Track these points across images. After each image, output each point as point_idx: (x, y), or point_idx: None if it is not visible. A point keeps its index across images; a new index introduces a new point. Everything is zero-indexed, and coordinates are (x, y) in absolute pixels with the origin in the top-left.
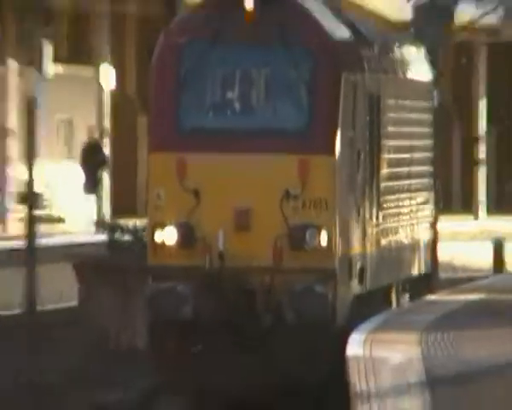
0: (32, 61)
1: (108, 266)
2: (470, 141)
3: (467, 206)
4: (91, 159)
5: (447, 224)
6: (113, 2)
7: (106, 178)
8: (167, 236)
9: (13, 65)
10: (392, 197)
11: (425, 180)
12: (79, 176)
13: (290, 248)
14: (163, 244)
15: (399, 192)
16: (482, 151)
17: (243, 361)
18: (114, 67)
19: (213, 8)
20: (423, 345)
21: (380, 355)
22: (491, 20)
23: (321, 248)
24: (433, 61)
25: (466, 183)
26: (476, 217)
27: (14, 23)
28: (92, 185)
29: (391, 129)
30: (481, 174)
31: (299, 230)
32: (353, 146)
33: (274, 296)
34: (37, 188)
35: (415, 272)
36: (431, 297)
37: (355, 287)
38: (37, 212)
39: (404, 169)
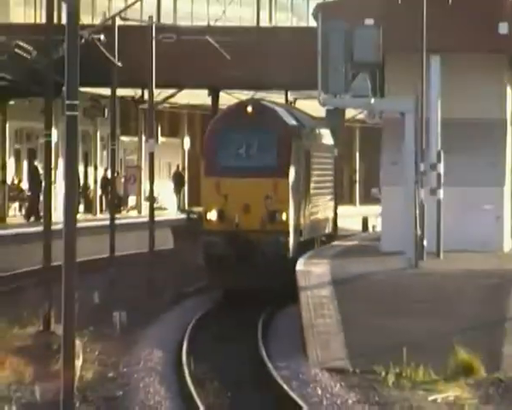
0: (151, 135)
1: (186, 229)
2: (351, 172)
3: (350, 200)
4: (177, 179)
5: (341, 209)
6: (190, 100)
7: (185, 188)
8: (212, 215)
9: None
10: (316, 197)
11: (330, 190)
12: (171, 187)
13: (268, 221)
14: (210, 219)
15: (319, 195)
16: (356, 176)
17: (246, 273)
18: (190, 138)
19: (232, 111)
20: (330, 265)
21: (311, 269)
22: (361, 116)
23: (282, 221)
24: (335, 136)
25: (350, 189)
26: (355, 205)
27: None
28: (176, 191)
29: (315, 166)
30: (357, 186)
31: (273, 212)
32: (298, 174)
33: (261, 243)
34: (154, 193)
35: (326, 231)
36: (333, 243)
37: (298, 239)
38: (155, 205)
39: (321, 184)
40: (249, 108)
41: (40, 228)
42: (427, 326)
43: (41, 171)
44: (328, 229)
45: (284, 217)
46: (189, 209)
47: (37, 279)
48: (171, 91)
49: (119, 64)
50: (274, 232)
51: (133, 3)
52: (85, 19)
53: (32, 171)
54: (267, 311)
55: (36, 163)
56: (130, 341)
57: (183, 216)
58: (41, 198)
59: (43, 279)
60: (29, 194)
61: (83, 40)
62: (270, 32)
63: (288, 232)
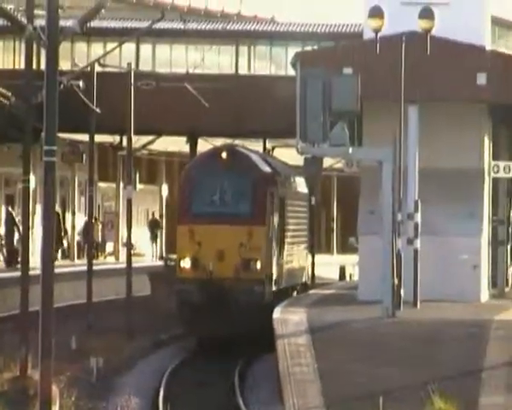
0: (130, 181)
1: (163, 276)
2: (329, 220)
3: (328, 249)
4: (154, 226)
5: (319, 257)
6: (167, 148)
7: (161, 235)
8: (185, 263)
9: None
10: (291, 245)
11: (305, 238)
12: (147, 234)
13: (242, 269)
14: (184, 267)
15: (294, 243)
16: (334, 224)
17: (220, 321)
18: (167, 185)
19: (206, 157)
20: (307, 313)
21: (288, 318)
22: (339, 165)
23: (257, 270)
24: (312, 184)
25: (327, 238)
26: (332, 254)
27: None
28: (153, 238)
29: (289, 214)
30: (334, 235)
31: (247, 260)
32: (273, 222)
33: (235, 291)
34: (132, 240)
35: (302, 280)
36: (310, 292)
37: (273, 287)
38: (132, 251)
39: (296, 233)
40: (224, 155)
41: (19, 273)
42: (403, 375)
43: (16, 217)
44: (305, 278)
45: (259, 265)
46: (167, 256)
47: (13, 324)
48: (149, 138)
49: (98, 110)
50: (248, 281)
51: (112, 50)
52: (64, 65)
53: (8, 217)
54: (244, 359)
55: (10, 209)
56: (106, 387)
57: (160, 263)
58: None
59: (20, 325)
60: (5, 240)
61: (62, 86)
62: (248, 80)
63: (262, 281)
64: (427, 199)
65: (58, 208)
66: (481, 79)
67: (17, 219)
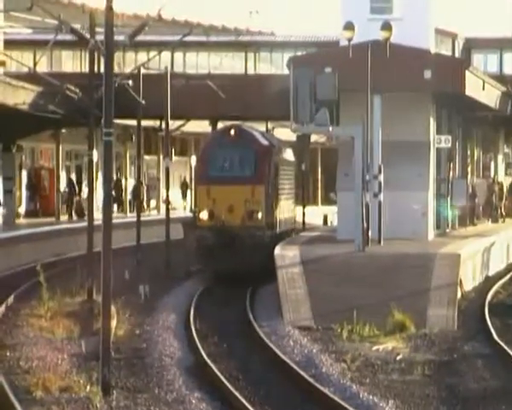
0: (167, 155)
1: (191, 223)
2: (315, 180)
3: (314, 202)
4: (184, 187)
5: (307, 208)
6: (195, 130)
7: (190, 194)
8: (203, 215)
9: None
10: (283, 200)
11: (294, 194)
12: (179, 193)
13: (247, 219)
14: (202, 218)
15: (286, 198)
16: (319, 184)
17: (231, 259)
18: (195, 157)
19: (218, 134)
20: (299, 250)
21: (285, 253)
22: (322, 140)
23: (258, 219)
24: (302, 154)
25: (314, 194)
26: (317, 205)
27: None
28: (183, 196)
29: (282, 176)
30: (319, 191)
31: (250, 212)
32: (270, 182)
33: (241, 235)
34: (169, 198)
35: (294, 226)
36: (301, 234)
37: (271, 232)
38: (170, 206)
39: (287, 190)
40: (232, 132)
41: (83, 224)
42: (370, 295)
43: (83, 182)
44: (296, 223)
45: (260, 215)
46: (194, 209)
47: (82, 262)
48: (181, 122)
49: (143, 102)
50: (252, 227)
51: (153, 57)
52: (117, 68)
53: (70, 183)
54: (253, 286)
55: (71, 177)
56: (151, 307)
57: (190, 214)
58: (80, 200)
59: (87, 262)
60: (68, 200)
61: (116, 84)
62: (254, 78)
63: (263, 227)
64: (388, 164)
65: (115, 176)
66: (427, 74)
67: (76, 184)
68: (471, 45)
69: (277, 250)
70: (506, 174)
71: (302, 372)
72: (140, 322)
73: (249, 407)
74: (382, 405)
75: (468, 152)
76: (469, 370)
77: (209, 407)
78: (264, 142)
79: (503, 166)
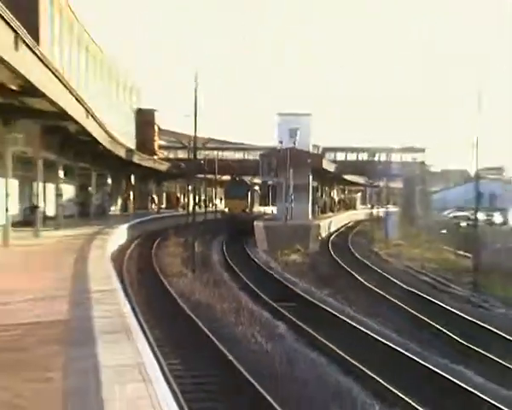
0: (215, 187)
1: (224, 213)
2: (267, 198)
3: (268, 204)
4: (221, 199)
5: (267, 208)
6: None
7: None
8: (226, 209)
9: None
10: (256, 204)
11: (259, 201)
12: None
13: (242, 211)
14: (226, 210)
15: (256, 203)
16: (270, 199)
17: (236, 227)
18: (224, 188)
19: (232, 180)
20: (263, 222)
21: (257, 223)
22: (270, 181)
23: (246, 211)
24: (264, 187)
25: (268, 202)
26: (269, 206)
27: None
28: (221, 202)
29: (254, 196)
30: (270, 204)
31: (244, 209)
32: (250, 198)
33: (239, 216)
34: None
35: (261, 214)
36: (264, 217)
37: (251, 216)
38: (216, 207)
39: (255, 200)
40: (237, 179)
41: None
42: (288, 239)
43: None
44: (261, 213)
45: (247, 210)
46: (224, 208)
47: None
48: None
49: (206, 168)
50: (244, 214)
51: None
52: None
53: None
54: (246, 238)
55: (178, 195)
56: (204, 246)
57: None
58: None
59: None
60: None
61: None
62: (243, 161)
63: (248, 213)
64: (294, 192)
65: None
66: (309, 160)
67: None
68: (324, 150)
69: (254, 223)
70: (337, 195)
71: (263, 266)
72: (206, 247)
73: (241, 274)
74: (290, 276)
75: (326, 188)
76: (321, 264)
77: (227, 274)
78: (248, 183)
79: (335, 192)
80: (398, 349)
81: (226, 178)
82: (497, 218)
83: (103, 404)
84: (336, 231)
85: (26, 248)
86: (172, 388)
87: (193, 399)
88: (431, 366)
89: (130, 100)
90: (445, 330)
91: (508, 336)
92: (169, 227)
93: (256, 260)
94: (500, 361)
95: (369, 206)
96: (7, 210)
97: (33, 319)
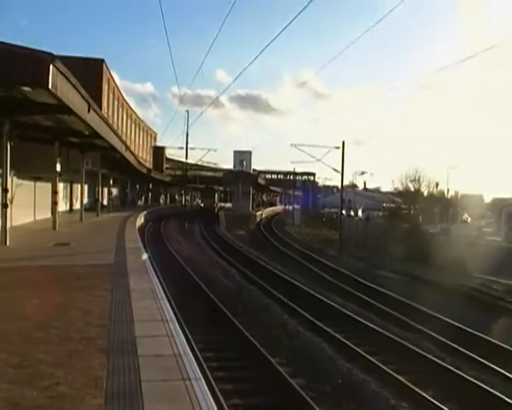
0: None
1: (199, 206)
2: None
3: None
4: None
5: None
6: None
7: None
8: (202, 204)
9: None
10: (222, 204)
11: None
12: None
13: (211, 206)
14: (201, 204)
15: (225, 201)
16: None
17: (206, 215)
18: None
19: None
20: (223, 211)
21: (220, 213)
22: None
23: (213, 206)
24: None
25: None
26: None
27: None
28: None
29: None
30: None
31: (212, 205)
32: (217, 200)
33: (209, 208)
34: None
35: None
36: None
37: (216, 208)
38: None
39: (222, 204)
40: (209, 187)
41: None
42: (239, 222)
43: None
44: (222, 207)
45: (214, 205)
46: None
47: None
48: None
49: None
50: (211, 207)
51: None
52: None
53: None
54: (212, 222)
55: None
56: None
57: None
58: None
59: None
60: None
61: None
62: (211, 178)
63: (214, 207)
64: (241, 197)
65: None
66: (250, 178)
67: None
68: (259, 172)
69: (219, 212)
70: (266, 198)
71: (223, 237)
72: (190, 225)
73: (210, 241)
74: (239, 243)
75: (259, 193)
76: (256, 236)
77: (202, 241)
78: (215, 189)
79: (265, 196)
80: (289, 280)
81: (203, 186)
82: (352, 213)
83: (132, 310)
84: (265, 218)
85: (92, 221)
86: (170, 302)
87: (181, 307)
88: (300, 285)
89: (150, 140)
90: (316, 270)
91: (350, 274)
92: (170, 213)
93: (219, 233)
94: (340, 285)
95: (284, 204)
96: (82, 201)
97: (96, 261)
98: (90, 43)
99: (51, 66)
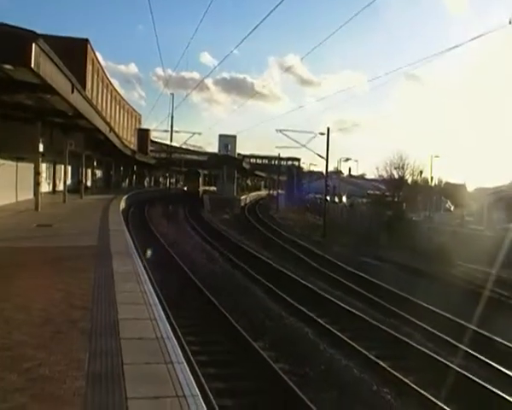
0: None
1: (184, 189)
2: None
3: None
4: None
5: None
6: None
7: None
8: (186, 188)
9: None
10: (205, 188)
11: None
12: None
13: (197, 191)
14: (185, 189)
15: (205, 187)
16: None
17: (191, 198)
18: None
19: (188, 171)
20: (208, 195)
21: (204, 196)
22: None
23: (198, 191)
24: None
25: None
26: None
27: None
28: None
29: (204, 185)
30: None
31: (197, 189)
32: (201, 186)
33: (195, 193)
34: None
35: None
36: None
37: (200, 193)
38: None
39: (206, 188)
40: (192, 170)
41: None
42: (223, 206)
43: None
44: (206, 190)
45: (198, 189)
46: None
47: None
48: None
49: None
50: (196, 191)
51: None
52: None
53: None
54: (198, 206)
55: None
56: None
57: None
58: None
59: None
60: None
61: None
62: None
63: (198, 192)
64: (226, 181)
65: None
66: (235, 162)
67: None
68: (244, 156)
69: (203, 196)
70: (250, 182)
71: (207, 221)
72: (174, 208)
73: (195, 225)
74: (223, 226)
75: (244, 178)
76: (240, 220)
77: (187, 224)
78: (199, 172)
79: (249, 180)
80: (271, 263)
81: (187, 169)
82: (336, 199)
83: (115, 293)
84: (249, 203)
85: (75, 203)
86: (154, 286)
87: (164, 288)
88: (284, 270)
89: (134, 122)
90: (301, 256)
91: (333, 260)
92: (154, 196)
93: (204, 217)
94: (321, 269)
95: (268, 189)
96: (65, 183)
97: (79, 243)
98: (73, 26)
99: (34, 44)
